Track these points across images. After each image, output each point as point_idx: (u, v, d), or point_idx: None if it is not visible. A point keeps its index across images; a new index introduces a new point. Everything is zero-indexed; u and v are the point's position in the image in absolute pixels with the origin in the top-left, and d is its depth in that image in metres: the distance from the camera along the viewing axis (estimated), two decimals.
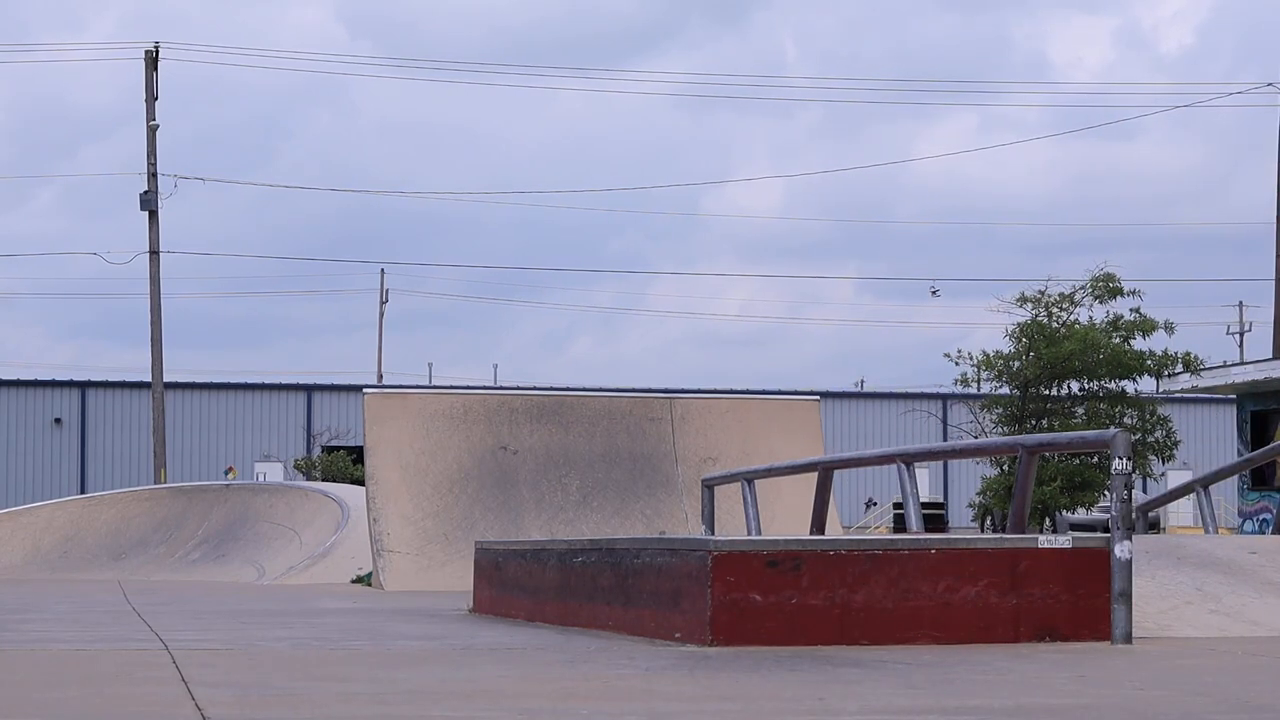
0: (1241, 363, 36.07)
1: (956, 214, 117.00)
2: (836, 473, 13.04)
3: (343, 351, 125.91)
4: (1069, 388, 41.09)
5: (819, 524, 12.37)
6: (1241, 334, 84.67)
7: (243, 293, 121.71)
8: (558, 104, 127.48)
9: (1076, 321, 40.66)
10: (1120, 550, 7.60)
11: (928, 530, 16.91)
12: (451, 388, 31.08)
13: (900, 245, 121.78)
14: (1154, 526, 46.04)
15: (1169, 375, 38.64)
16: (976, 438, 41.42)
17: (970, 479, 55.47)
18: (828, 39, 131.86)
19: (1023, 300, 41.10)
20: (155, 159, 47.93)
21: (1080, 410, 40.86)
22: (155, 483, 43.51)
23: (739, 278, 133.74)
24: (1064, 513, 41.08)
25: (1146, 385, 41.69)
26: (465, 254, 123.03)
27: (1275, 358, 34.68)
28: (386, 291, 78.08)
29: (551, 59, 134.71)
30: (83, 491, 59.11)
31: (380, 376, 74.74)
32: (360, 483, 21.77)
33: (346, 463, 56.32)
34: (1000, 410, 41.85)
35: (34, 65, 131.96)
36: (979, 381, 43.00)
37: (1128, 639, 7.54)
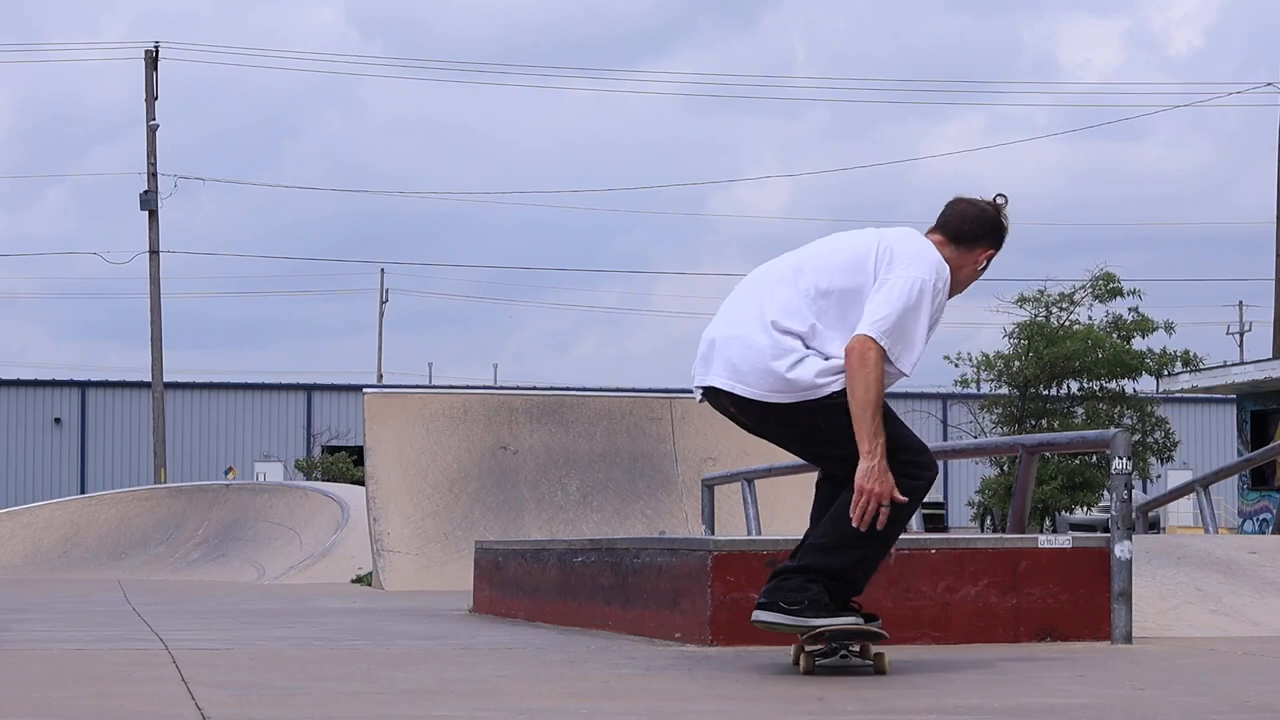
0: (1241, 363, 36.07)
1: None
2: None
3: (343, 351, 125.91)
4: (1068, 388, 41.12)
5: None
6: (1241, 334, 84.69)
7: (243, 293, 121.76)
8: (566, 104, 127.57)
9: (1076, 321, 40.69)
10: (1120, 550, 7.60)
11: (927, 530, 16.92)
12: (451, 387, 31.10)
13: None
14: (1154, 526, 46.03)
15: (1169, 374, 38.65)
16: (976, 438, 41.41)
17: (970, 479, 55.45)
18: (837, 40, 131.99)
19: (1023, 301, 41.12)
20: (155, 159, 47.94)
21: (1080, 410, 40.88)
22: (155, 483, 43.51)
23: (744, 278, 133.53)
24: (1064, 513, 41.09)
25: (1146, 385, 41.71)
26: (469, 254, 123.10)
27: (1275, 358, 34.68)
28: (387, 291, 78.17)
29: (561, 59, 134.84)
30: (83, 491, 59.09)
31: (380, 376, 74.73)
32: (360, 483, 21.77)
33: (347, 463, 56.29)
34: (1000, 410, 41.88)
35: (43, 66, 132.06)
36: (979, 382, 43.04)
37: (1128, 639, 7.54)
